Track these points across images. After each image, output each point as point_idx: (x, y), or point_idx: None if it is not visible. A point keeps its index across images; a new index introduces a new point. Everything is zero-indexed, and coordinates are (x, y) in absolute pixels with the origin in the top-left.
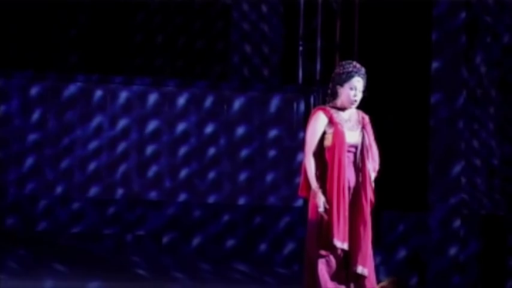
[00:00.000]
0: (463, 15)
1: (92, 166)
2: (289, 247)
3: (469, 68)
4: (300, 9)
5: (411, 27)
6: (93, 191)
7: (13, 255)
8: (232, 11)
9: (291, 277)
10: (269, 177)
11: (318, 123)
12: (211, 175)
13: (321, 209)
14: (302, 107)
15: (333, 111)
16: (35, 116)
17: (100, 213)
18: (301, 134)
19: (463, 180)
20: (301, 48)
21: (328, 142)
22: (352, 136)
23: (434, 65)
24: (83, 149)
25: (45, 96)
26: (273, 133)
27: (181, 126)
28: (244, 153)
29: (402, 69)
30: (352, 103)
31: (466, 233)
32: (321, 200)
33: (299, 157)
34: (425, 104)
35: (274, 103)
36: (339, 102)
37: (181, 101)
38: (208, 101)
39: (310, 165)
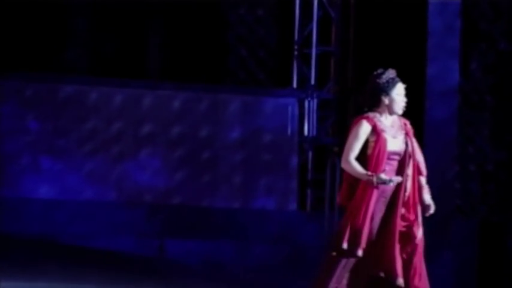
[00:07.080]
0: (459, 21)
1: (86, 168)
2: (284, 251)
3: (465, 74)
4: (295, 14)
5: (406, 34)
6: (87, 193)
7: (6, 257)
8: (229, 14)
9: (284, 280)
10: (263, 181)
11: (361, 131)
12: (206, 178)
13: (397, 179)
14: (296, 110)
15: (376, 119)
16: (30, 117)
17: (94, 215)
18: (295, 138)
19: (458, 185)
20: (296, 52)
21: (369, 150)
22: (395, 143)
23: (430, 70)
24: (78, 151)
25: (40, 98)
26: (267, 137)
27: (176, 129)
28: (238, 156)
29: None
30: (401, 109)
31: (461, 238)
32: (387, 179)
33: (293, 161)
34: (420, 108)
35: (269, 107)
36: (384, 110)
37: (176, 104)
38: (204, 104)
39: (353, 164)
